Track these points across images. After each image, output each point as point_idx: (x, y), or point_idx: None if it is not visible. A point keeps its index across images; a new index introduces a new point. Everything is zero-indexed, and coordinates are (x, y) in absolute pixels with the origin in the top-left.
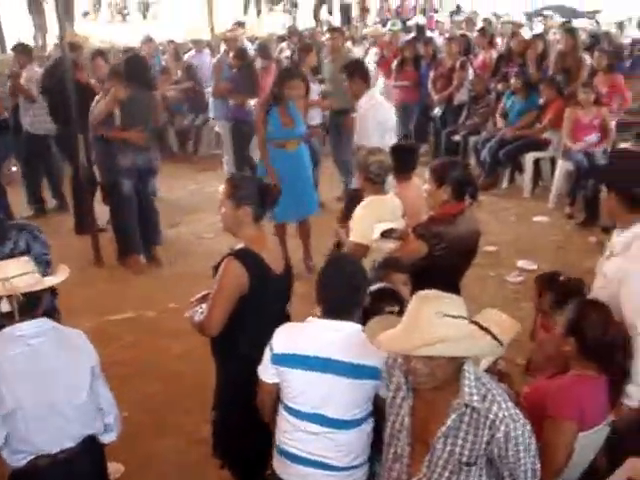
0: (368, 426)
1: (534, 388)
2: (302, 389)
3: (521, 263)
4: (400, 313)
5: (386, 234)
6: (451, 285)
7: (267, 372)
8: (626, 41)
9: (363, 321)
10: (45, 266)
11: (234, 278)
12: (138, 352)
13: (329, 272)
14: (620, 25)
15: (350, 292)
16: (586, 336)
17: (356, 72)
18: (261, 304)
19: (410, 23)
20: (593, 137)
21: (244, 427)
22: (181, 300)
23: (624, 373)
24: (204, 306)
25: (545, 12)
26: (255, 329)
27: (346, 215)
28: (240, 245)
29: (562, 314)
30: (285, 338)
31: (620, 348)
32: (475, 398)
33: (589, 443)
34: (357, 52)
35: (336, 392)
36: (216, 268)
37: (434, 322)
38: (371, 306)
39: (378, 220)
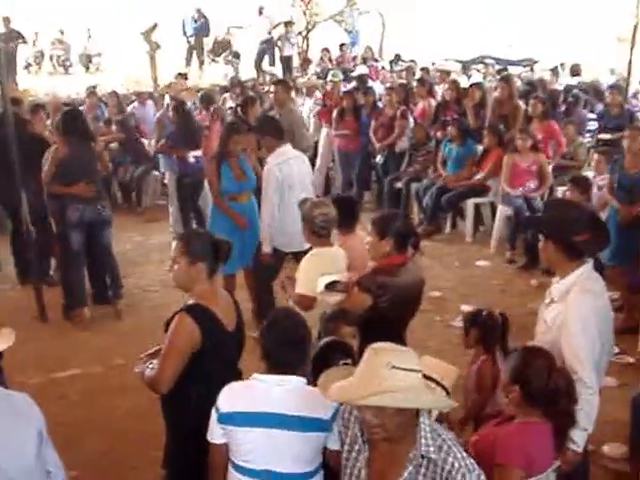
0: (319, 477)
1: (482, 436)
2: (250, 447)
3: (465, 307)
4: (353, 365)
5: (330, 286)
6: (396, 335)
7: (215, 433)
8: (560, 87)
9: (314, 374)
10: None
11: (186, 334)
12: (85, 410)
13: (271, 328)
14: (554, 71)
15: (292, 346)
16: (530, 384)
17: (266, 129)
18: (213, 360)
19: (354, 74)
20: (530, 185)
21: None
22: (128, 355)
23: (569, 418)
24: (155, 362)
25: (487, 60)
26: (206, 385)
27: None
28: (192, 300)
29: (480, 349)
30: (230, 397)
31: (564, 394)
32: (431, 449)
33: None
34: (299, 102)
35: (284, 447)
36: (168, 324)
37: (383, 373)
38: (323, 359)
39: (323, 272)
